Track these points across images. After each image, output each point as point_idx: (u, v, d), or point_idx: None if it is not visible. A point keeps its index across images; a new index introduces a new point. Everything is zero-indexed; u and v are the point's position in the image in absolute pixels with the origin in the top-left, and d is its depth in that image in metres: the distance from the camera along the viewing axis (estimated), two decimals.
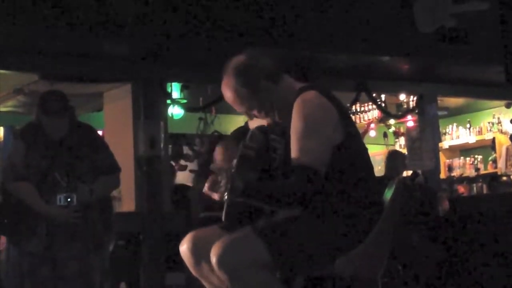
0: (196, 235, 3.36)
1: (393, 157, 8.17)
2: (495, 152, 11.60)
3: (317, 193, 3.13)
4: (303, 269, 3.27)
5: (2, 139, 9.79)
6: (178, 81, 8.48)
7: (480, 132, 11.82)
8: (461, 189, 11.37)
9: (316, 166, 3.12)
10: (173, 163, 9.17)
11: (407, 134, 9.66)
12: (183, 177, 9.64)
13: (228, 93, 3.35)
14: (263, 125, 3.45)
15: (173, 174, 8.67)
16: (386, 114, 9.87)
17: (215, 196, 3.20)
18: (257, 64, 3.32)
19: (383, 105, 9.75)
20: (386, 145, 11.68)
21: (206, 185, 3.19)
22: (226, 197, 3.12)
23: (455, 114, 11.82)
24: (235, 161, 3.23)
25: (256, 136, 3.35)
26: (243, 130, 3.54)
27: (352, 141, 3.27)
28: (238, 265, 3.08)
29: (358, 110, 11.50)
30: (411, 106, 9.79)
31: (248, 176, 3.16)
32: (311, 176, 3.10)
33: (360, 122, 11.49)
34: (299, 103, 3.22)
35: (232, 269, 3.09)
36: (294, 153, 3.15)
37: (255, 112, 3.38)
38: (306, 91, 3.28)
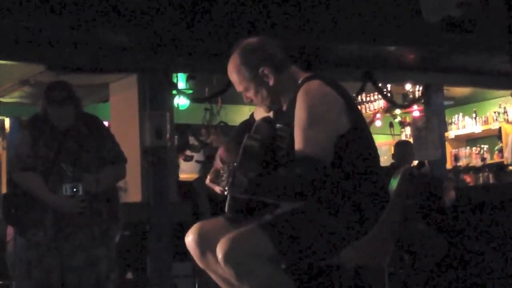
0: (202, 226, 3.35)
1: (402, 147, 8.14)
2: (501, 142, 11.59)
3: (323, 182, 3.11)
4: (309, 260, 3.27)
5: (8, 130, 9.83)
6: (184, 72, 8.48)
7: (486, 122, 11.82)
8: (467, 178, 11.37)
9: (321, 156, 3.09)
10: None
11: (413, 124, 9.65)
12: (189, 168, 9.66)
13: (230, 69, 3.37)
14: (269, 116, 3.44)
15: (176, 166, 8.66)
16: (392, 104, 9.86)
17: (217, 189, 3.18)
18: (264, 49, 3.33)
19: (389, 95, 9.75)
20: (392, 135, 11.68)
21: (209, 177, 3.17)
22: (227, 191, 3.10)
23: (461, 103, 11.82)
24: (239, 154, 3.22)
25: (261, 127, 3.34)
26: (248, 123, 3.51)
27: (358, 131, 3.24)
28: (244, 261, 3.08)
29: (364, 100, 11.51)
30: (417, 96, 9.80)
31: (251, 170, 3.13)
32: (316, 167, 3.07)
33: (366, 112, 11.49)
34: (302, 93, 3.20)
35: (239, 265, 3.08)
36: (298, 143, 3.13)
37: (251, 95, 3.37)
38: (310, 80, 3.27)
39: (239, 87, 3.39)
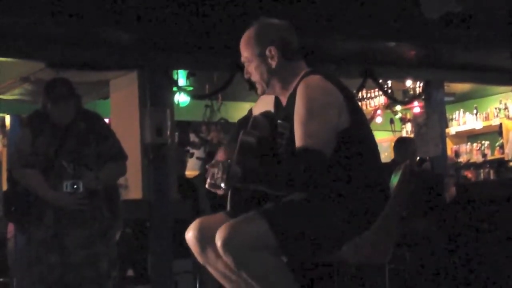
0: (202, 222, 3.33)
1: (403, 143, 8.10)
2: (502, 138, 11.58)
3: (323, 176, 3.10)
4: (309, 253, 3.26)
5: (8, 127, 9.83)
6: (184, 69, 8.48)
7: (487, 118, 11.80)
8: (468, 175, 11.37)
9: (321, 148, 3.08)
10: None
11: (414, 120, 9.64)
12: (189, 165, 9.65)
13: (242, 40, 3.40)
14: (268, 111, 3.43)
15: (182, 163, 8.65)
16: (392, 100, 9.86)
17: (219, 192, 3.17)
18: (279, 31, 3.35)
19: (389, 91, 9.74)
20: (393, 131, 11.67)
21: (208, 181, 3.14)
22: (223, 185, 3.06)
23: (461, 99, 11.80)
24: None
25: (259, 122, 3.32)
26: (246, 119, 3.49)
27: (359, 127, 3.24)
28: (243, 248, 3.06)
29: (365, 96, 11.49)
30: (417, 92, 9.77)
31: (247, 163, 3.12)
32: (316, 159, 3.06)
33: (367, 108, 11.47)
34: (302, 87, 3.20)
35: (237, 253, 3.06)
36: (298, 137, 3.12)
37: (252, 69, 3.36)
38: (310, 75, 3.27)
39: (243, 58, 3.40)
